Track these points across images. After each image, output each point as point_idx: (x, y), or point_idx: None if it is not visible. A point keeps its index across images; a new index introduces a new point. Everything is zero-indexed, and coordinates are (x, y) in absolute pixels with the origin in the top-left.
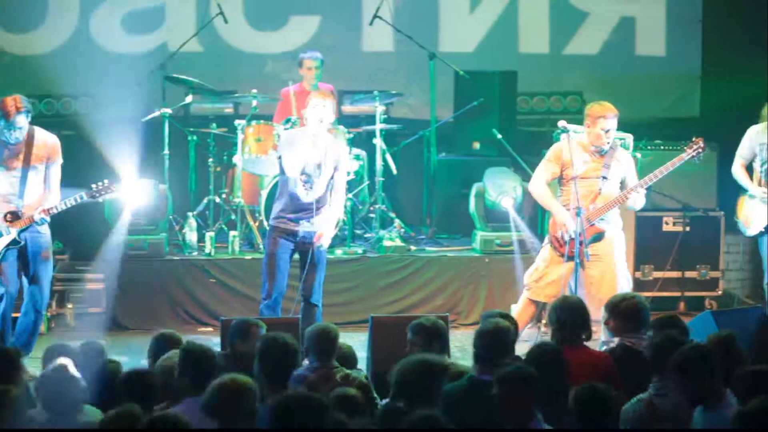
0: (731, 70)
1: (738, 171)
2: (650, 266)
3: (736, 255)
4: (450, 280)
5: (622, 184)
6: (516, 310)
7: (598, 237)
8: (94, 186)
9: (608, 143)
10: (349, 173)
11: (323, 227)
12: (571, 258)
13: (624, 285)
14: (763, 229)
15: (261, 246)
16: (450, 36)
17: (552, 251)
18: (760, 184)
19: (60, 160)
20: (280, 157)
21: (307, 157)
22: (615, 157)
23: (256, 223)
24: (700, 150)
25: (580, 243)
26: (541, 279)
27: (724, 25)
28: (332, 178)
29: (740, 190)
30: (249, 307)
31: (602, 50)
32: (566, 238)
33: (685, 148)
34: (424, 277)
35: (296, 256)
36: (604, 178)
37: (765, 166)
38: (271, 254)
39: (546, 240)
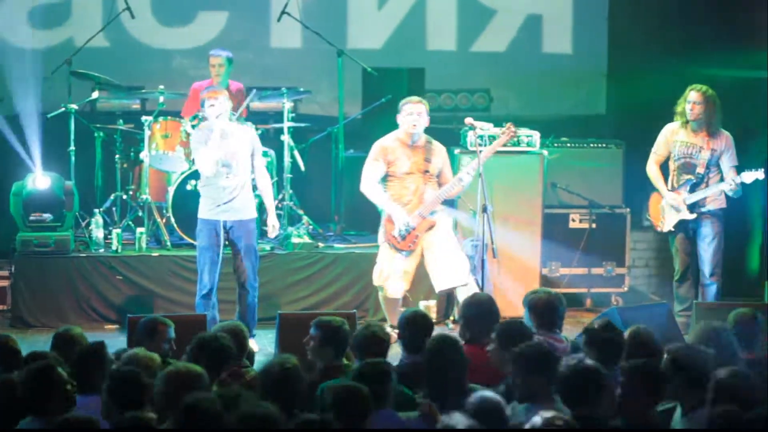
0: (637, 67)
1: (652, 170)
2: (557, 263)
3: (641, 252)
4: (358, 276)
5: (440, 177)
6: (387, 312)
7: (431, 228)
8: None
9: (421, 129)
10: (266, 153)
11: (270, 220)
12: (409, 252)
13: (466, 263)
14: (672, 228)
15: (168, 243)
16: (358, 33)
17: (390, 249)
18: (673, 182)
19: None
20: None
21: (222, 149)
22: (433, 152)
23: (164, 220)
24: (511, 134)
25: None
26: (389, 278)
27: (629, 23)
28: (252, 165)
29: (651, 187)
30: (157, 305)
31: (509, 48)
32: (403, 233)
33: (500, 134)
34: (332, 274)
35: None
36: (427, 171)
37: (678, 163)
38: (203, 248)
39: (382, 239)
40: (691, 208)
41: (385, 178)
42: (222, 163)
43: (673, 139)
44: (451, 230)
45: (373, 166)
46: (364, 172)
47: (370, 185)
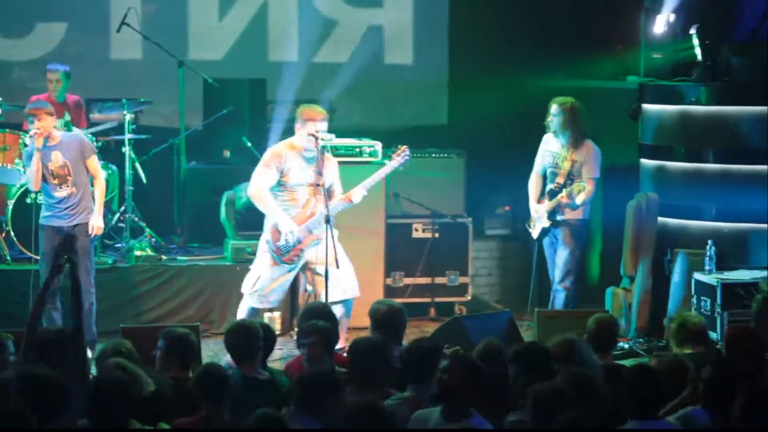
0: (477, 78)
1: (531, 180)
2: (400, 273)
3: (484, 260)
4: (202, 289)
5: (329, 190)
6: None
7: (317, 243)
8: None
9: (318, 146)
10: (107, 166)
11: (94, 219)
12: (291, 265)
13: (351, 274)
14: (537, 236)
15: (7, 257)
16: (199, 43)
17: (271, 259)
18: (544, 191)
19: None
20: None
21: (49, 163)
22: (326, 165)
23: (3, 234)
24: (406, 157)
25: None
26: (264, 288)
27: (469, 34)
28: (84, 168)
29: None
30: None
31: (351, 59)
32: (290, 244)
33: (392, 155)
34: (175, 287)
35: None
36: (317, 185)
37: (547, 172)
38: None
39: (264, 248)
40: (551, 216)
41: (274, 188)
42: (52, 174)
43: (545, 149)
44: (338, 244)
45: (265, 171)
46: (254, 176)
47: (259, 191)
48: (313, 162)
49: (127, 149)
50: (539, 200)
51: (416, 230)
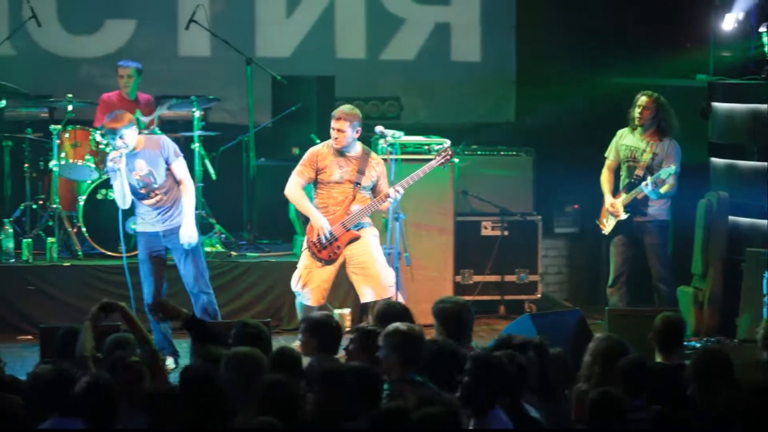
0: (545, 75)
1: (603, 174)
2: (470, 271)
3: (554, 258)
4: (271, 285)
5: (374, 190)
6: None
7: (354, 240)
8: None
9: (343, 144)
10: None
11: (184, 228)
12: (329, 262)
13: (390, 276)
14: (610, 232)
15: (80, 252)
16: (267, 41)
17: (310, 256)
18: (620, 185)
19: None
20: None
21: (134, 173)
22: (370, 164)
23: (75, 230)
24: (448, 157)
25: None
26: (306, 285)
27: (537, 31)
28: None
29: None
30: (69, 315)
31: (418, 56)
32: (324, 242)
33: (435, 155)
34: (245, 283)
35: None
36: (357, 183)
37: (624, 166)
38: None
39: (304, 245)
40: (628, 210)
41: (314, 185)
42: (140, 181)
43: (621, 143)
44: (377, 243)
45: (301, 171)
46: (291, 176)
47: (294, 190)
48: (354, 160)
49: (196, 146)
50: (615, 195)
51: (485, 228)
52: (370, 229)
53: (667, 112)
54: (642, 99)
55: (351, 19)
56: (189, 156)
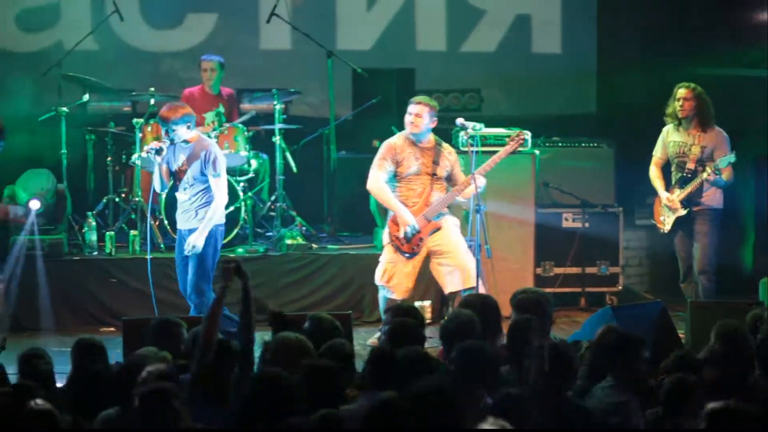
0: (626, 66)
1: (651, 172)
2: (550, 263)
3: (635, 250)
4: (352, 277)
5: (449, 179)
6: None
7: (436, 231)
8: None
9: (419, 129)
10: (257, 155)
11: (194, 236)
12: (413, 255)
13: (472, 263)
14: (670, 229)
15: (162, 245)
16: (347, 34)
17: (394, 251)
18: (671, 182)
19: None
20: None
21: (174, 163)
22: (443, 154)
23: (157, 222)
24: (521, 141)
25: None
26: (391, 279)
27: (618, 22)
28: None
29: (646, 187)
30: (151, 307)
31: (499, 48)
32: (408, 235)
33: (508, 140)
34: (326, 275)
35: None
36: (434, 174)
37: (674, 163)
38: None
39: (386, 240)
40: (685, 204)
41: (392, 179)
42: (176, 177)
43: (668, 140)
44: (459, 233)
45: (381, 164)
46: (372, 170)
47: (377, 184)
48: (429, 151)
49: (277, 139)
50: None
51: (566, 220)
52: (450, 218)
53: (706, 102)
54: (681, 91)
55: (431, 11)
56: (270, 149)
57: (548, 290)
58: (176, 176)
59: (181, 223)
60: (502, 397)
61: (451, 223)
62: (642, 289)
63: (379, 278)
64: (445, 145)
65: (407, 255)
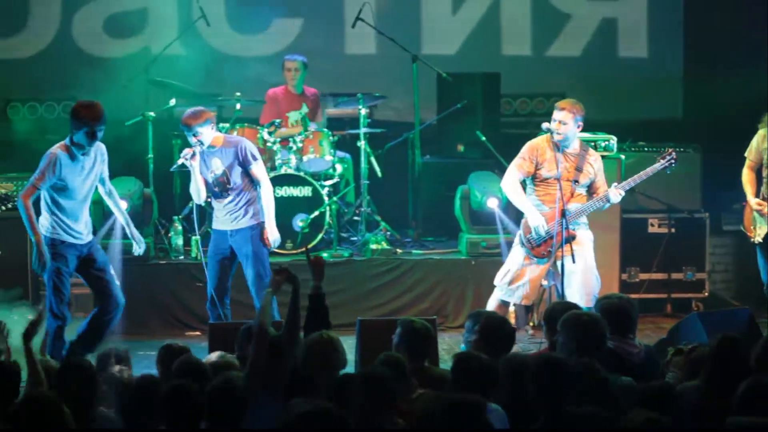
0: (713, 71)
1: (745, 175)
2: (636, 268)
3: (721, 256)
4: (436, 282)
5: (591, 187)
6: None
7: (571, 239)
8: None
9: (564, 135)
10: (342, 159)
11: (269, 230)
12: (543, 260)
13: (597, 287)
14: (762, 239)
15: None
16: (433, 38)
17: (524, 254)
18: (763, 189)
19: None
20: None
21: (209, 171)
22: (587, 161)
23: None
24: (672, 161)
25: (563, 242)
26: (514, 281)
27: (705, 27)
28: (244, 173)
29: (736, 193)
30: (236, 311)
31: (585, 52)
32: (540, 237)
33: (658, 158)
34: (410, 280)
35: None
36: (576, 181)
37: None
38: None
39: (517, 241)
40: None
41: (531, 180)
42: (214, 183)
43: (764, 146)
44: (591, 247)
45: (521, 164)
46: (510, 169)
47: (511, 184)
48: (572, 157)
49: (362, 143)
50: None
51: (652, 225)
52: (586, 232)
53: None
54: None
55: (517, 15)
56: (355, 153)
57: (633, 296)
58: (214, 184)
59: (226, 224)
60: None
61: (585, 236)
62: (728, 295)
63: (500, 279)
64: (592, 151)
65: (538, 259)
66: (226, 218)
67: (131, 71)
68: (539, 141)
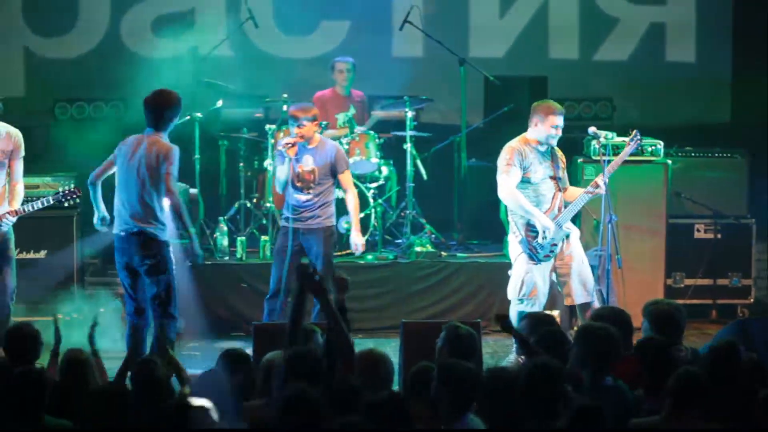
0: (762, 75)
1: None
2: (681, 274)
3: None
4: (481, 286)
5: (560, 182)
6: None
7: (567, 236)
8: (61, 190)
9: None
10: (387, 162)
11: (354, 236)
12: (547, 258)
13: (592, 278)
14: None
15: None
16: (480, 41)
17: (527, 259)
18: None
19: (22, 154)
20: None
21: (299, 165)
22: (559, 158)
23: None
24: (638, 141)
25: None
26: (532, 291)
27: (754, 31)
28: (331, 178)
29: None
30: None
31: (632, 56)
32: (548, 241)
33: (628, 141)
34: (455, 283)
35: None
36: (559, 178)
37: None
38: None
39: (516, 251)
40: None
41: (519, 186)
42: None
43: None
44: (578, 242)
45: (511, 171)
46: (501, 178)
47: (511, 192)
48: (548, 156)
49: (408, 146)
50: None
51: (698, 231)
52: (573, 228)
53: None
54: None
55: (564, 19)
56: (401, 156)
57: (679, 301)
58: (297, 178)
59: (298, 222)
60: None
61: (575, 233)
62: None
63: (516, 292)
64: (557, 148)
65: (542, 259)
66: (300, 217)
67: (179, 72)
68: (518, 145)
